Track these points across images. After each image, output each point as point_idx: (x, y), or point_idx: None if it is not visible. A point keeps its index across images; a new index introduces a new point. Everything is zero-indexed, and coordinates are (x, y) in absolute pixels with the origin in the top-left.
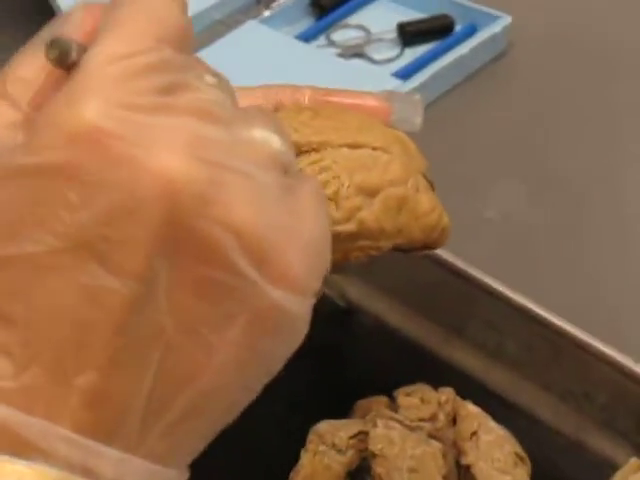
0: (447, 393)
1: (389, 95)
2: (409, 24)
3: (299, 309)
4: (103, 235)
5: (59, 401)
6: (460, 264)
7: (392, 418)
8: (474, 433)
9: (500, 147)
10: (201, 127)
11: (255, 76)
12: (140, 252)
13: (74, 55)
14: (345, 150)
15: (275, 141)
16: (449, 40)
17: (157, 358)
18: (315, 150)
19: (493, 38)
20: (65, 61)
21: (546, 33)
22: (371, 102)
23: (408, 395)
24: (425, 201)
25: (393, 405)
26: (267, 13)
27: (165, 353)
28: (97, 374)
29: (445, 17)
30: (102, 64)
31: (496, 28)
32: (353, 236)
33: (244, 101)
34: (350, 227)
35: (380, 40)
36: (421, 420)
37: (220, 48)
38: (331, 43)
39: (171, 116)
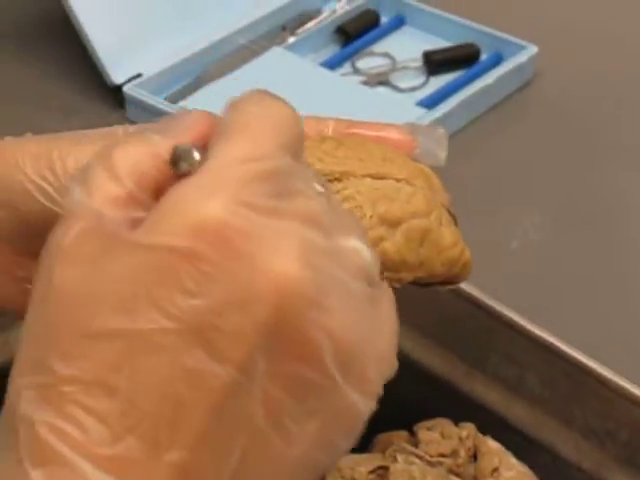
0: (468, 428)
1: (413, 128)
2: (435, 52)
3: (366, 410)
4: (213, 323)
5: (149, 472)
6: (482, 297)
7: (412, 453)
8: (495, 469)
9: (525, 177)
10: (309, 233)
11: None
12: (245, 343)
13: (194, 162)
14: (368, 180)
15: (366, 253)
16: (475, 69)
17: (243, 443)
18: (338, 180)
19: (519, 67)
20: (185, 166)
21: (572, 62)
22: (395, 135)
23: (429, 430)
24: (448, 235)
25: (413, 439)
26: (292, 39)
27: (251, 439)
28: (187, 452)
29: (471, 46)
30: (230, 164)
31: (522, 58)
32: None
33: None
34: None
35: (405, 68)
36: (441, 455)
37: (245, 74)
38: (356, 71)
39: (285, 220)
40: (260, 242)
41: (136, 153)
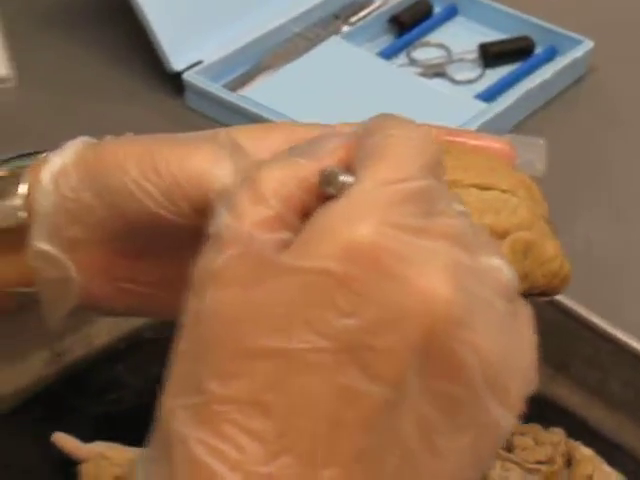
0: (558, 434)
1: (513, 138)
2: (491, 45)
3: (509, 425)
4: (366, 342)
5: None
6: (567, 302)
7: (508, 459)
8: (589, 477)
9: (583, 174)
10: (456, 252)
11: (339, 93)
12: (398, 362)
13: (341, 185)
14: (474, 190)
15: (506, 270)
16: (530, 62)
17: (395, 460)
18: None
19: (574, 62)
20: (333, 189)
21: (626, 57)
22: (496, 145)
23: (522, 435)
24: (550, 247)
25: (505, 444)
26: (345, 28)
27: (403, 456)
28: (341, 470)
29: (526, 39)
30: (377, 186)
31: (578, 52)
32: None
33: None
34: None
35: (461, 60)
36: (538, 462)
37: (304, 63)
38: (412, 61)
39: (431, 240)
40: (411, 262)
41: (282, 175)
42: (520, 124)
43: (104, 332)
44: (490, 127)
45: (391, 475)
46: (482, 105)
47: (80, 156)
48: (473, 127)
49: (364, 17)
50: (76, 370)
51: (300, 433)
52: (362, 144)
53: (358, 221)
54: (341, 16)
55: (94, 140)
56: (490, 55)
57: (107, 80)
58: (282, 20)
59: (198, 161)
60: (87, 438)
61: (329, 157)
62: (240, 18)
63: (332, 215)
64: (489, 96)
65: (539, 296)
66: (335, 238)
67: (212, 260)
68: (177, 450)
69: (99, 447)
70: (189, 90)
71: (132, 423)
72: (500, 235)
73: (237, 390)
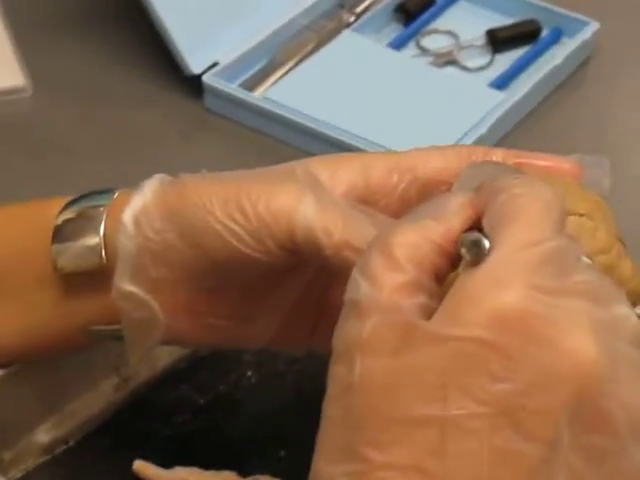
0: None
1: (580, 158)
2: (499, 30)
3: None
4: (521, 405)
5: None
6: None
7: None
8: None
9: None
10: (593, 309)
11: (356, 87)
12: (551, 421)
13: (482, 251)
14: None
15: (633, 317)
16: (538, 46)
17: None
18: None
19: (582, 45)
20: (479, 255)
21: (631, 36)
22: (565, 165)
23: None
24: (628, 268)
25: None
26: (351, 18)
27: None
28: None
29: (532, 22)
30: (515, 251)
31: (585, 34)
32: None
33: (436, 162)
34: None
35: (470, 47)
36: None
37: (318, 59)
38: (422, 50)
39: (572, 298)
40: (557, 324)
41: (414, 239)
42: (534, 111)
43: (166, 353)
44: (507, 116)
45: None
46: (498, 94)
47: (160, 196)
48: (493, 118)
49: (369, 5)
50: (143, 393)
51: None
52: (489, 205)
53: (504, 287)
54: (346, 5)
55: (170, 178)
56: (498, 40)
57: (123, 86)
58: (290, 16)
59: (282, 200)
60: (161, 462)
61: (457, 217)
62: (249, 17)
63: (478, 283)
64: (502, 83)
65: None
66: (483, 305)
67: (356, 329)
68: None
69: (180, 473)
70: (209, 92)
71: (205, 443)
72: None
73: (399, 457)
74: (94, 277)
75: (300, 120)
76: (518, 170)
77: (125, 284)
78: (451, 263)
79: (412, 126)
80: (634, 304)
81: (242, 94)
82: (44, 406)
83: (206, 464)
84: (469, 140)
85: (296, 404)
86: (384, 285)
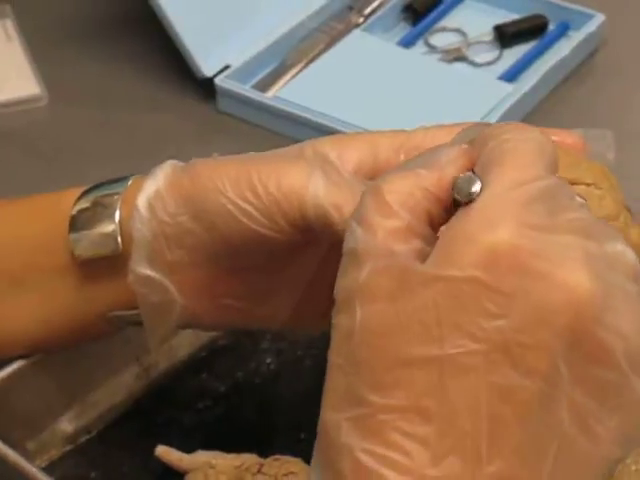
0: None
1: (583, 132)
2: (506, 26)
3: None
4: (517, 340)
5: None
6: None
7: None
8: None
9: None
10: (586, 244)
11: (367, 85)
12: (548, 355)
13: (473, 192)
14: None
15: (630, 253)
16: (545, 40)
17: (553, 450)
18: None
19: (588, 37)
20: (470, 197)
21: (637, 28)
22: (568, 139)
23: None
24: (635, 234)
25: None
26: (360, 20)
27: (561, 445)
28: (504, 463)
29: (539, 17)
30: (507, 190)
31: (591, 27)
32: None
33: (442, 140)
34: None
35: (478, 43)
36: None
37: (329, 59)
38: (431, 48)
39: (565, 234)
40: (549, 259)
41: (406, 186)
42: (542, 102)
43: (186, 343)
44: (517, 108)
45: (550, 463)
46: (507, 86)
47: (173, 181)
48: (503, 109)
49: (377, 7)
50: (163, 382)
51: (462, 433)
52: (481, 152)
53: (496, 226)
54: (355, 7)
55: (181, 163)
56: (506, 36)
57: (137, 91)
58: (299, 18)
59: (293, 178)
60: (184, 448)
61: (451, 166)
62: (259, 20)
63: (469, 222)
64: (511, 76)
65: None
66: (476, 244)
67: (354, 276)
68: (346, 461)
69: (203, 456)
70: (221, 94)
71: (226, 429)
72: None
73: (398, 399)
74: (112, 263)
75: (313, 117)
76: (522, 125)
77: (141, 268)
78: (446, 212)
79: (423, 120)
80: None
81: (254, 95)
82: (66, 396)
83: (227, 449)
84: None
85: (315, 388)
86: (378, 231)
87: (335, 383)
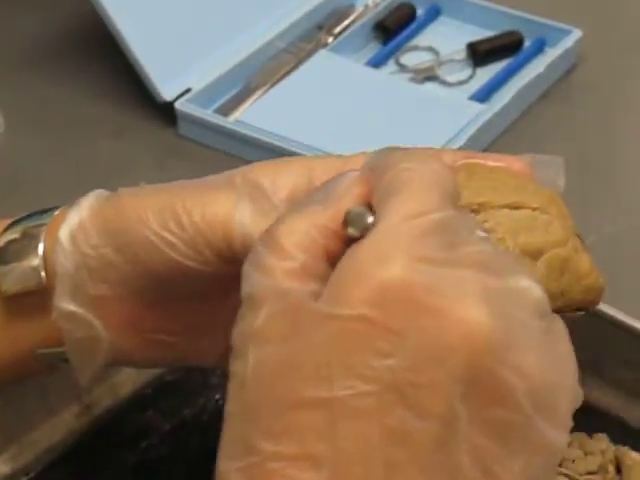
0: (603, 440)
1: (532, 158)
2: (479, 43)
3: (561, 443)
4: (410, 380)
5: None
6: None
7: (560, 473)
8: None
9: (589, 166)
10: (484, 278)
11: (333, 107)
12: (444, 396)
13: (366, 225)
14: (506, 211)
15: (536, 289)
16: (520, 57)
17: None
18: (476, 211)
19: (565, 53)
20: (357, 230)
21: (615, 44)
22: (516, 165)
23: (569, 445)
24: (585, 261)
25: None
26: (331, 39)
27: None
28: None
29: (514, 34)
30: (400, 222)
31: (568, 43)
32: None
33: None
34: None
35: (450, 61)
36: (589, 473)
37: (294, 80)
38: (402, 67)
39: (460, 269)
40: (444, 294)
41: (301, 226)
42: (517, 122)
43: (129, 380)
44: (488, 128)
45: None
46: (478, 106)
47: (97, 211)
48: (472, 130)
49: (348, 26)
50: (106, 421)
51: None
52: (377, 181)
53: (386, 260)
54: (324, 27)
55: (107, 193)
56: (479, 53)
57: (96, 117)
58: (266, 38)
59: (218, 207)
60: None
61: (346, 198)
62: (224, 41)
63: (359, 257)
64: (483, 96)
65: (575, 311)
66: (366, 281)
67: (249, 321)
68: None
69: None
70: (182, 119)
71: (170, 468)
72: (535, 254)
73: (288, 445)
74: (38, 298)
75: (275, 142)
76: (424, 151)
77: (64, 303)
78: (347, 245)
79: (390, 143)
80: (592, 302)
81: (215, 119)
82: (3, 436)
83: None
84: None
85: None
86: (273, 273)
87: (231, 432)
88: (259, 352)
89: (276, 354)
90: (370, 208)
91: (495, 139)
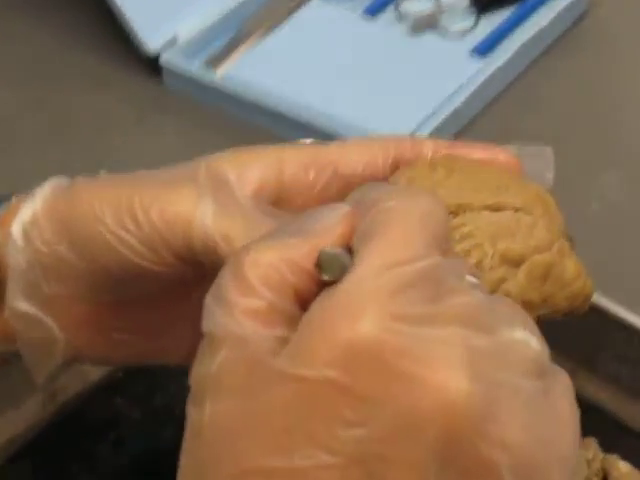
0: (592, 448)
1: (519, 149)
2: None
3: None
4: (379, 453)
5: None
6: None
7: None
8: None
9: (596, 126)
10: (471, 337)
11: (325, 60)
12: (415, 471)
13: (341, 270)
14: (486, 214)
15: (534, 342)
16: (525, 5)
17: None
18: (454, 213)
19: (572, 4)
20: (331, 275)
21: None
22: (502, 157)
23: None
24: (571, 267)
25: None
26: None
27: None
28: None
29: None
30: (375, 274)
31: None
32: None
33: (361, 158)
34: None
35: (453, 9)
36: None
37: (286, 31)
38: (401, 15)
39: (442, 326)
40: (420, 358)
41: (271, 258)
42: (520, 77)
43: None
44: (490, 84)
45: None
46: (478, 62)
47: (51, 205)
48: (472, 88)
49: None
50: (73, 409)
51: None
52: (359, 219)
53: (357, 316)
54: None
55: (64, 182)
56: (483, 1)
57: (78, 69)
58: None
59: (178, 205)
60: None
61: (327, 235)
62: None
63: (328, 310)
64: (485, 48)
65: (560, 317)
66: (333, 339)
67: (207, 364)
68: None
69: None
70: (167, 73)
71: (138, 460)
72: (517, 261)
73: None
74: None
75: (264, 101)
76: (419, 191)
77: (17, 302)
78: (319, 288)
79: (385, 101)
80: (579, 307)
81: (202, 74)
82: None
83: None
84: (444, 113)
85: None
86: (235, 312)
87: None
88: (215, 403)
89: (232, 409)
90: (350, 250)
91: (498, 94)
